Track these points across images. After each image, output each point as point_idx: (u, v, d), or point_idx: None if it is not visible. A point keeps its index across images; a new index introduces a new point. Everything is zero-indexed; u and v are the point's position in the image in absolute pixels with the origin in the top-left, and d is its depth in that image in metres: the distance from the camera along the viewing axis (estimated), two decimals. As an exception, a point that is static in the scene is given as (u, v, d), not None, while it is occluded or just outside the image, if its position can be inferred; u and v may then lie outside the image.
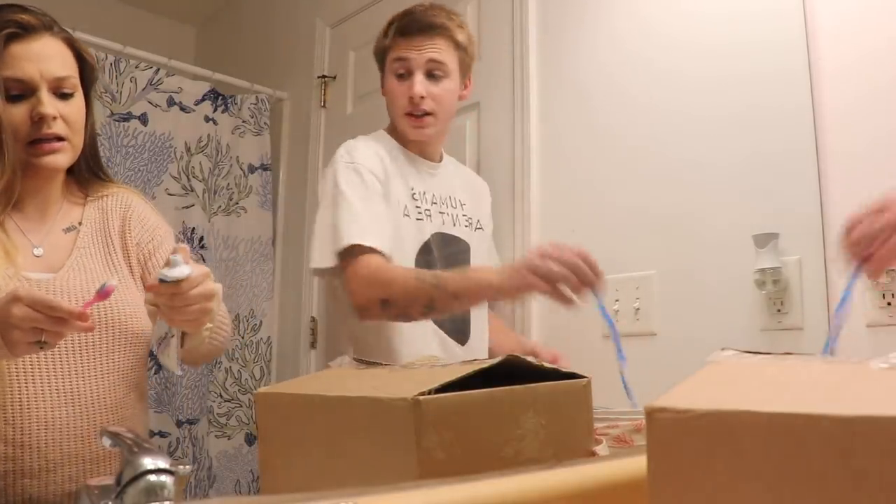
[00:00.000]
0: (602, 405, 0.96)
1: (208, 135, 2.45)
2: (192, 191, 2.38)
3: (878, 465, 0.33)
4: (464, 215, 1.54)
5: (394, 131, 1.52)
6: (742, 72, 1.41)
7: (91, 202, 1.12)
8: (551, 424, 0.64)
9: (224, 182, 2.50)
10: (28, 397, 0.94)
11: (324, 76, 2.46)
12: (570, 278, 1.12)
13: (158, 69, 2.35)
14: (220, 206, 2.46)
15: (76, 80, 1.04)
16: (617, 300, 1.54)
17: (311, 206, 2.42)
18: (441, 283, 1.23)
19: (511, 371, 0.65)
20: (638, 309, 1.52)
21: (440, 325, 1.42)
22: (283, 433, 0.73)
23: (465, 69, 1.49)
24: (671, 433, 0.40)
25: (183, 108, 2.40)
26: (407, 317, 1.29)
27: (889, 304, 1.20)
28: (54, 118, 0.99)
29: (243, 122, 2.56)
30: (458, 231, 1.52)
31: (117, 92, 2.23)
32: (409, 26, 1.43)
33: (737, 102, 1.42)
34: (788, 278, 1.32)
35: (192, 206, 2.36)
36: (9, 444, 0.92)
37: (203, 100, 2.47)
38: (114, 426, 0.64)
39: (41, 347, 0.84)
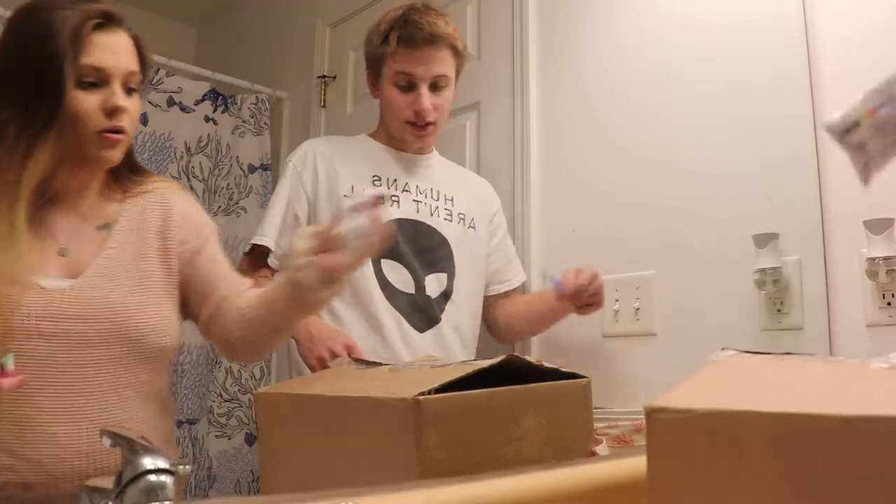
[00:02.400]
0: (602, 405, 0.96)
1: (208, 135, 2.45)
2: (192, 191, 2.38)
3: (878, 465, 0.33)
4: (446, 209, 1.54)
5: (381, 133, 1.56)
6: (743, 78, 1.41)
7: (130, 199, 1.07)
8: (551, 424, 0.64)
9: (224, 182, 2.50)
10: (29, 413, 0.90)
11: (324, 76, 2.46)
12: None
13: (158, 69, 2.35)
14: (220, 206, 2.46)
15: (140, 78, 1.02)
16: (617, 300, 1.54)
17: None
18: None
19: (511, 371, 0.65)
20: (638, 309, 1.52)
21: (398, 308, 1.45)
22: (283, 433, 0.73)
23: (460, 73, 1.51)
24: (671, 433, 0.40)
25: (183, 108, 2.40)
26: None
27: (889, 304, 1.20)
28: (125, 111, 0.98)
29: (243, 122, 2.56)
30: (436, 222, 1.51)
31: (117, 92, 2.23)
32: (414, 37, 1.42)
33: (738, 106, 1.41)
34: (788, 278, 1.32)
35: (192, 206, 2.36)
36: (11, 455, 0.90)
37: (203, 100, 2.47)
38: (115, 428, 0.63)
39: None
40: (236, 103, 2.56)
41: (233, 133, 2.54)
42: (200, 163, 2.42)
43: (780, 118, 1.36)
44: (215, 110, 2.50)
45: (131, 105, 0.99)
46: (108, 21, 0.98)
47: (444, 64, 1.45)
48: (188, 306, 1.09)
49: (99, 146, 0.97)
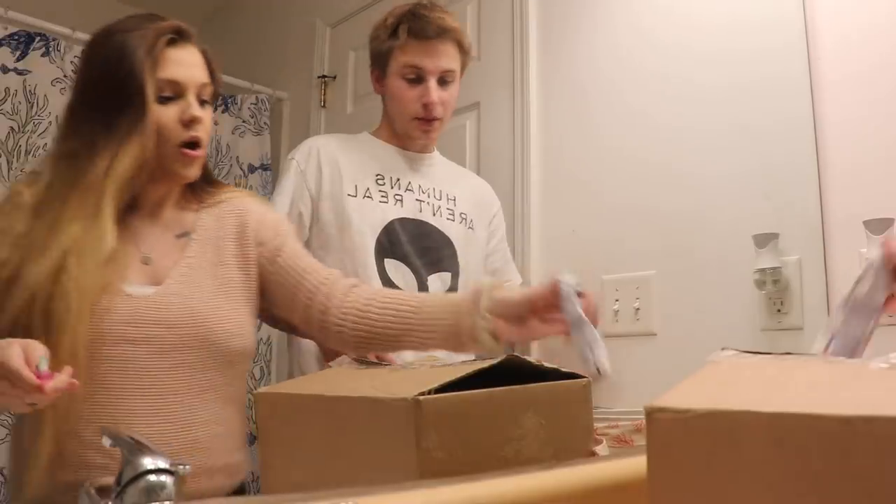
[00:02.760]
0: (602, 405, 0.96)
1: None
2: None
3: (878, 465, 0.33)
4: (449, 209, 1.54)
5: (383, 131, 1.55)
6: (743, 78, 1.41)
7: (205, 209, 1.11)
8: (551, 424, 0.64)
9: (224, 181, 2.49)
10: (117, 415, 0.94)
11: (324, 76, 2.46)
12: None
13: (158, 69, 2.34)
14: (220, 206, 2.46)
15: (211, 90, 1.07)
16: (617, 300, 1.54)
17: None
18: None
19: (511, 371, 0.65)
20: (638, 309, 1.52)
21: None
22: (283, 433, 0.73)
23: (463, 71, 1.51)
24: (671, 433, 0.40)
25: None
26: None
27: (889, 304, 1.20)
28: (201, 121, 1.02)
29: (243, 122, 2.56)
30: (439, 222, 1.51)
31: (117, 92, 2.23)
32: (424, 29, 1.42)
33: (738, 106, 1.42)
34: (788, 278, 1.32)
35: (193, 206, 2.36)
36: (105, 455, 0.91)
37: (203, 100, 2.47)
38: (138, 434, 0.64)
39: (32, 408, 0.83)
40: (236, 103, 2.56)
41: (233, 133, 2.54)
42: (201, 162, 2.42)
43: (780, 118, 1.36)
44: (215, 110, 2.49)
45: (206, 116, 1.04)
46: (179, 37, 1.03)
47: (451, 59, 1.45)
48: (276, 305, 1.12)
49: (179, 163, 1.02)
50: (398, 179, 1.50)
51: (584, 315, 0.86)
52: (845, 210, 1.27)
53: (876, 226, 1.19)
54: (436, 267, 1.48)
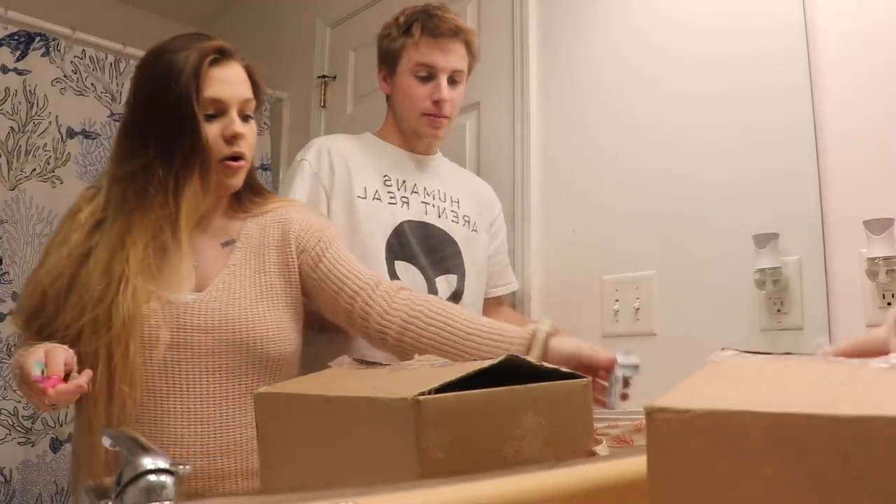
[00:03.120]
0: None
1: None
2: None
3: (878, 465, 0.33)
4: (453, 211, 1.54)
5: (388, 132, 1.54)
6: (743, 79, 1.41)
7: (251, 218, 1.15)
8: (551, 424, 0.64)
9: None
10: (158, 415, 1.00)
11: (324, 76, 2.46)
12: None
13: (158, 69, 2.34)
14: (220, 206, 2.46)
15: (254, 104, 1.11)
16: (617, 300, 1.54)
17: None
18: None
19: (511, 371, 0.65)
20: (638, 309, 1.52)
21: None
22: (283, 433, 0.73)
23: (470, 73, 1.53)
24: (671, 433, 0.40)
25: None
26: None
27: (889, 304, 1.20)
28: (243, 137, 1.07)
29: (243, 122, 2.56)
30: (444, 224, 1.52)
31: (117, 92, 2.23)
32: (439, 27, 1.44)
33: (738, 107, 1.42)
34: (788, 278, 1.32)
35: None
36: None
37: (203, 100, 2.47)
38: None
39: (54, 408, 0.90)
40: (236, 103, 2.56)
41: (233, 133, 2.54)
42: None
43: (780, 119, 1.36)
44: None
45: (248, 131, 1.09)
46: (222, 56, 1.07)
47: (462, 59, 1.47)
48: (323, 310, 1.14)
49: (222, 174, 1.07)
50: (404, 181, 1.50)
51: (621, 404, 0.90)
52: (845, 210, 1.28)
53: (876, 226, 1.19)
54: (443, 269, 1.48)
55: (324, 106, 2.46)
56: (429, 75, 1.45)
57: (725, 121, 1.43)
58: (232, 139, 1.06)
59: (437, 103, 1.45)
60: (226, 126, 1.05)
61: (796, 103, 1.34)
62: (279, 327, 1.08)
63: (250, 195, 1.17)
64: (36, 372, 0.87)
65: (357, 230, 1.42)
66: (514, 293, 1.67)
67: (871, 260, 1.20)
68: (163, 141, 1.03)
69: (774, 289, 1.33)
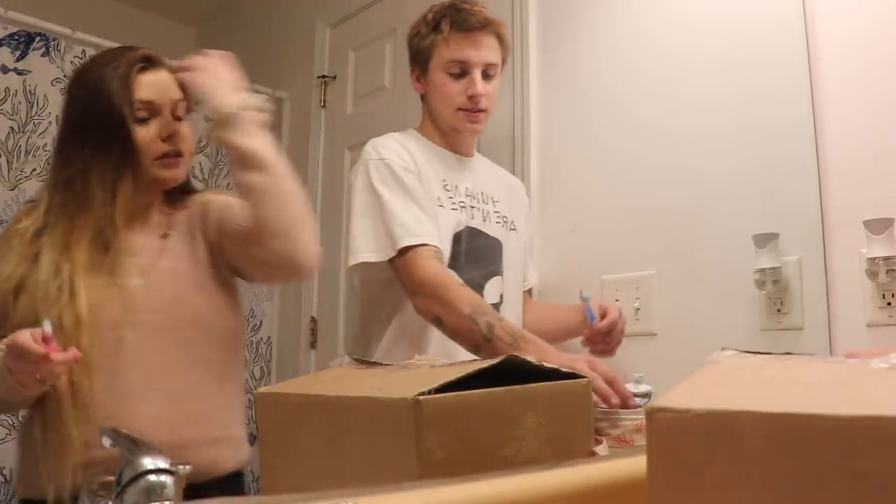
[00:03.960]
0: (602, 405, 0.96)
1: (209, 135, 2.45)
2: (193, 191, 2.38)
3: (878, 465, 0.33)
4: (496, 212, 1.51)
5: (427, 129, 1.50)
6: (744, 79, 1.41)
7: (180, 211, 1.22)
8: (551, 424, 0.64)
9: (224, 182, 2.50)
10: (118, 395, 1.04)
11: (324, 76, 2.46)
12: (599, 389, 1.02)
13: (158, 69, 2.35)
14: (220, 206, 2.46)
15: (185, 105, 1.19)
16: (617, 300, 1.54)
17: (312, 206, 2.43)
18: (493, 338, 1.21)
19: (511, 371, 0.65)
20: (638, 309, 1.52)
21: None
22: (283, 433, 0.73)
23: (503, 66, 1.48)
24: (671, 433, 0.40)
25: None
26: (456, 340, 1.29)
27: (889, 304, 1.20)
28: (178, 135, 1.15)
29: (243, 122, 2.56)
30: (489, 228, 1.48)
31: (117, 92, 2.23)
32: (468, 20, 1.40)
33: (738, 107, 1.42)
34: (788, 278, 1.32)
35: (192, 206, 2.36)
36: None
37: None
38: (125, 427, 0.68)
39: (42, 384, 0.94)
40: (236, 103, 2.56)
41: (233, 133, 2.54)
42: (200, 162, 2.42)
43: (781, 119, 1.36)
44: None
45: (183, 129, 1.16)
46: (150, 63, 1.14)
47: (494, 52, 1.43)
48: (240, 258, 1.17)
49: (160, 168, 1.14)
50: (456, 186, 1.46)
51: None
52: (845, 210, 1.28)
53: (876, 226, 1.19)
54: (490, 273, 1.45)
55: (324, 106, 2.46)
56: (462, 71, 1.41)
57: (725, 121, 1.43)
58: (168, 138, 1.13)
59: (473, 98, 1.40)
60: (162, 126, 1.13)
61: (796, 103, 1.34)
62: (219, 301, 1.16)
63: (182, 194, 1.23)
64: (48, 329, 0.91)
65: None
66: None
67: (871, 260, 1.20)
68: (98, 146, 1.09)
69: (774, 289, 1.33)
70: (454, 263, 1.39)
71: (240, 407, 1.21)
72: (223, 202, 1.22)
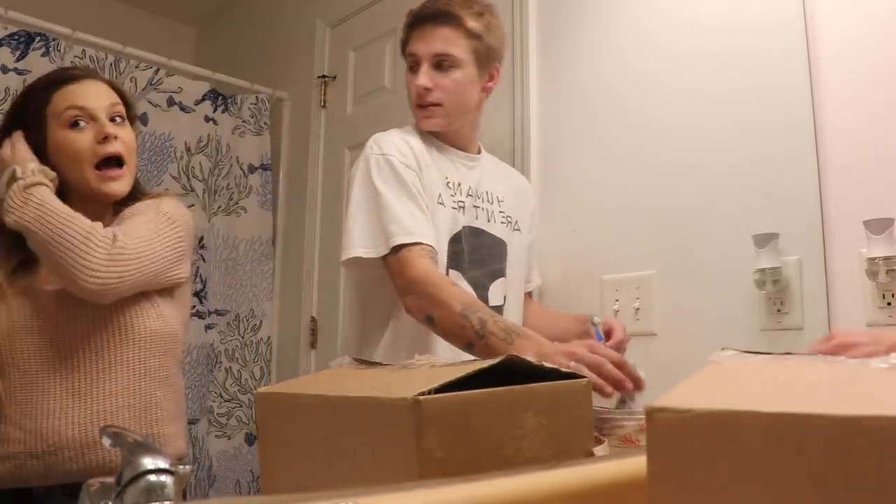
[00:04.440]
0: (602, 405, 0.96)
1: (208, 135, 2.46)
2: (192, 191, 2.39)
3: (878, 465, 0.33)
4: (501, 212, 1.48)
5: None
6: (743, 79, 1.41)
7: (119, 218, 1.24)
8: (551, 424, 0.64)
9: (224, 182, 2.50)
10: (36, 394, 1.11)
11: (324, 76, 2.46)
12: (611, 374, 1.01)
13: (158, 69, 2.35)
14: (220, 206, 2.46)
15: (123, 109, 1.20)
16: (617, 300, 1.54)
17: (312, 206, 2.43)
18: (486, 335, 1.18)
19: (511, 371, 0.65)
20: (638, 309, 1.52)
21: None
22: (283, 433, 0.73)
23: (482, 59, 1.41)
24: (671, 433, 0.40)
25: (183, 108, 2.40)
26: (448, 339, 1.28)
27: (889, 304, 1.20)
28: (115, 137, 1.15)
29: (243, 122, 2.56)
30: (493, 228, 1.46)
31: (117, 92, 2.23)
32: (416, 18, 1.40)
33: (738, 107, 1.42)
34: (788, 278, 1.32)
35: (192, 206, 2.36)
36: (22, 430, 1.10)
37: (203, 100, 2.47)
38: (115, 425, 0.70)
39: None
40: (236, 103, 2.56)
41: (233, 133, 2.54)
42: (200, 163, 2.42)
43: (781, 119, 1.36)
44: (215, 110, 2.50)
45: (122, 132, 1.17)
46: (80, 74, 1.18)
47: (448, 42, 1.36)
48: None
49: (100, 180, 1.15)
50: (459, 184, 1.44)
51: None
52: (845, 210, 1.28)
53: (876, 226, 1.19)
54: (495, 274, 1.44)
55: (324, 106, 2.46)
56: (414, 64, 1.39)
57: (725, 121, 1.43)
58: (104, 140, 1.14)
59: (418, 93, 1.37)
60: (97, 130, 1.14)
61: (796, 103, 1.34)
62: (142, 305, 1.18)
63: (132, 203, 1.24)
64: None
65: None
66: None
67: (871, 260, 1.20)
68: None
69: (774, 289, 1.33)
70: (457, 263, 1.38)
71: (162, 404, 1.21)
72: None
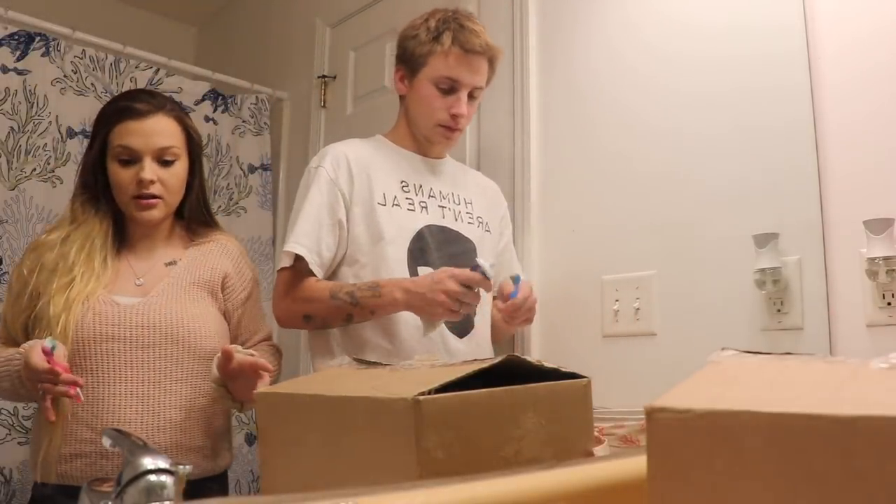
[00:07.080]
0: (602, 405, 0.96)
1: (208, 135, 2.45)
2: (192, 191, 2.38)
3: (878, 465, 0.33)
4: (468, 213, 1.54)
5: (401, 135, 1.53)
6: (744, 81, 1.41)
7: (194, 246, 1.38)
8: (551, 424, 0.64)
9: (224, 182, 2.50)
10: (105, 398, 1.20)
11: (324, 76, 2.46)
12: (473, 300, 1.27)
13: (158, 69, 2.35)
14: (220, 206, 2.46)
15: (179, 150, 1.30)
16: (617, 300, 1.54)
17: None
18: (357, 300, 1.34)
19: (511, 371, 0.65)
20: (638, 309, 1.52)
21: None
22: (283, 433, 0.73)
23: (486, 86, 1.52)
24: (671, 433, 0.40)
25: (183, 108, 2.40)
26: (329, 327, 1.41)
27: (889, 304, 1.20)
28: (152, 182, 1.25)
29: (243, 122, 2.56)
30: (461, 227, 1.51)
31: (117, 91, 2.23)
32: (471, 42, 1.42)
33: (738, 108, 1.42)
34: (788, 278, 1.32)
35: (192, 206, 2.36)
36: (94, 431, 1.19)
37: (203, 100, 2.47)
38: (117, 428, 0.73)
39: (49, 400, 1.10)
40: (236, 103, 2.56)
41: (233, 133, 2.54)
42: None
43: (781, 120, 1.36)
44: (215, 110, 2.50)
45: (165, 174, 1.28)
46: (145, 111, 1.27)
47: (484, 76, 1.47)
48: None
49: (135, 209, 1.28)
50: (421, 186, 1.50)
51: None
52: (845, 210, 1.27)
53: (876, 226, 1.19)
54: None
55: (324, 106, 2.46)
56: (450, 88, 1.43)
57: (726, 122, 1.43)
58: (140, 183, 1.25)
59: (455, 117, 1.44)
60: (138, 172, 1.25)
61: (797, 104, 1.33)
62: (205, 322, 1.30)
63: (197, 226, 1.39)
64: (47, 345, 1.08)
65: (379, 237, 1.40)
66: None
67: (871, 260, 1.20)
68: (85, 177, 1.30)
69: (774, 289, 1.33)
70: (424, 259, 1.43)
71: (218, 419, 1.32)
72: (251, 288, 1.42)
